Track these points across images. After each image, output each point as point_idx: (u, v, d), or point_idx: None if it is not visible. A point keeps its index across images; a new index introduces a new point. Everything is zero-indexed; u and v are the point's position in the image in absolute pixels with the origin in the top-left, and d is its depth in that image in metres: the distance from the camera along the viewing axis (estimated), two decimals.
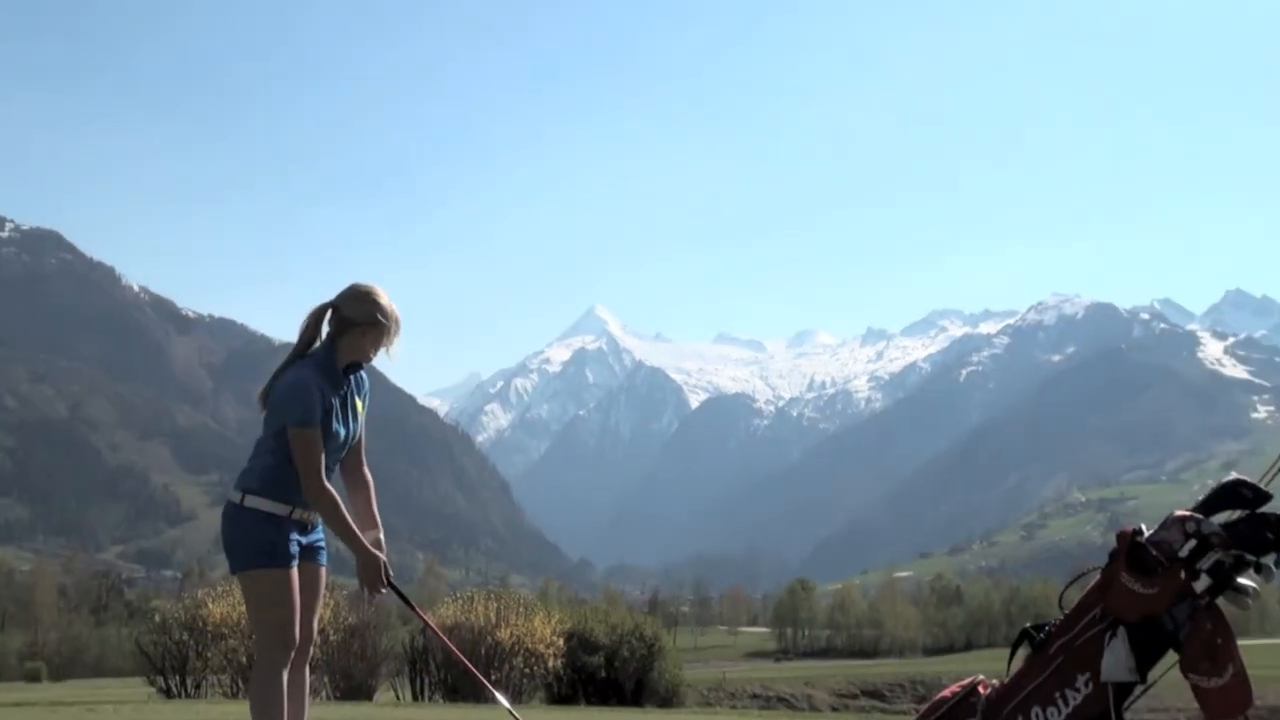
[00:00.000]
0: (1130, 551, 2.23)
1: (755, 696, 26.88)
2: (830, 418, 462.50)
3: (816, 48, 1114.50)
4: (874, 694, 28.65)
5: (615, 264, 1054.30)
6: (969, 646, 61.60)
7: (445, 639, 3.52)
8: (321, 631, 2.97)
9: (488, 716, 5.79)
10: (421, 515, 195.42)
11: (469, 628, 10.54)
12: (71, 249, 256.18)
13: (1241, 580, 2.21)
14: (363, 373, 2.88)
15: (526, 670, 10.90)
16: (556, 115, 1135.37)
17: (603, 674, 12.46)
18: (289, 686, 2.74)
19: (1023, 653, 2.38)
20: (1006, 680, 2.37)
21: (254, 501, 2.70)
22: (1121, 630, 2.21)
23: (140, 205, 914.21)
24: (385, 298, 2.82)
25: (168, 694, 10.65)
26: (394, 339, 2.83)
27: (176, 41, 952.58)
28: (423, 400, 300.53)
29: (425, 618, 3.42)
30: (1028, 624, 2.43)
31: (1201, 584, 2.21)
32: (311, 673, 3.00)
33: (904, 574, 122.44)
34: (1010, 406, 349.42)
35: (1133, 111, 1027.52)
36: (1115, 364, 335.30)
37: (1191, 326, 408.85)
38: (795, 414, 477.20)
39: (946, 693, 2.44)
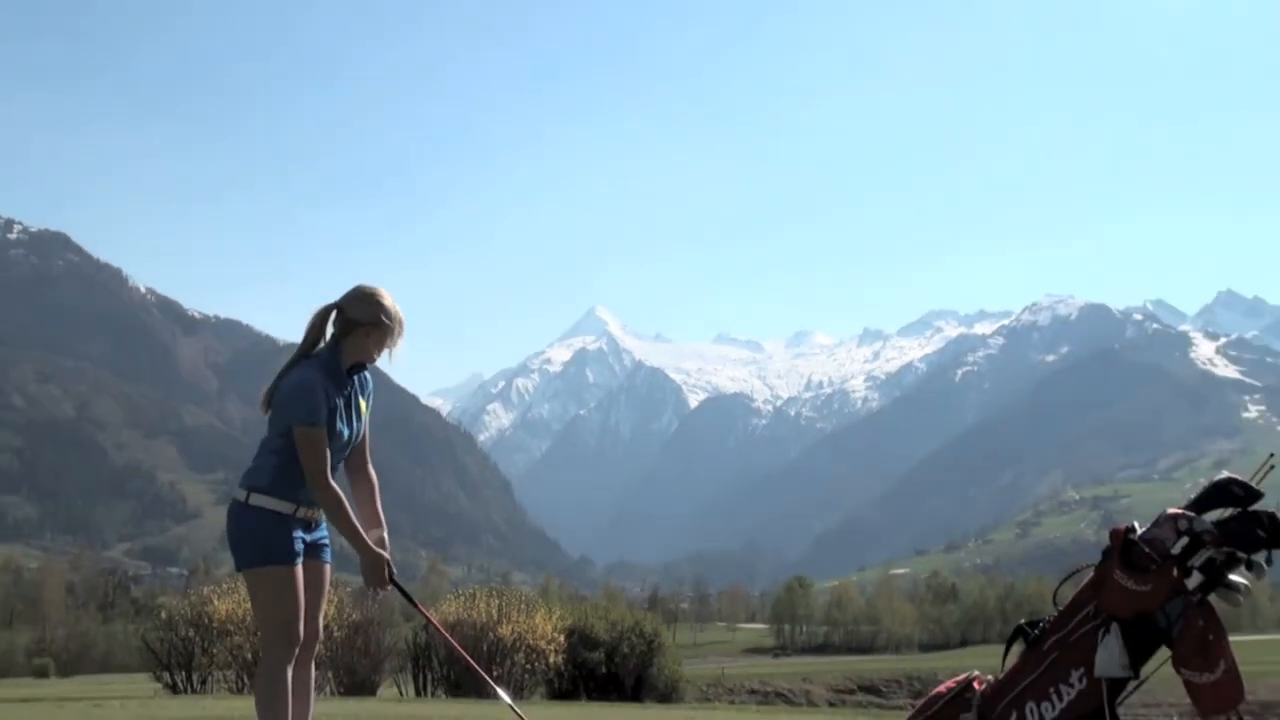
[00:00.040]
0: (1123, 549, 2.25)
1: (753, 692, 26.97)
2: (828, 417, 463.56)
3: (816, 48, 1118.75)
4: (871, 689, 28.73)
5: (615, 264, 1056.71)
6: (964, 642, 61.69)
7: (448, 635, 3.55)
8: (326, 628, 3.00)
9: (490, 712, 5.83)
10: (424, 513, 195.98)
11: (471, 624, 10.59)
12: (79, 250, 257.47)
13: (1233, 577, 2.23)
14: (366, 373, 2.90)
15: (528, 666, 10.93)
16: (556, 115, 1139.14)
17: (603, 670, 12.50)
18: (295, 683, 2.76)
19: (1018, 649, 2.41)
20: (1001, 676, 2.40)
21: (259, 500, 2.72)
22: (1115, 626, 2.23)
23: (142, 206, 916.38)
24: (389, 299, 2.84)
25: (174, 689, 10.70)
26: (397, 340, 2.85)
27: (177, 41, 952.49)
28: (426, 400, 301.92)
29: (428, 615, 3.45)
30: (1022, 620, 2.46)
31: (1194, 581, 2.23)
32: (316, 669, 3.03)
33: (900, 571, 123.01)
34: (1005, 406, 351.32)
35: (1125, 115, 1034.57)
36: (1108, 364, 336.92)
37: (1184, 327, 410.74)
38: (793, 413, 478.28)
39: (942, 688, 2.47)
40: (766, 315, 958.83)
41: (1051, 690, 2.27)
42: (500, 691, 3.26)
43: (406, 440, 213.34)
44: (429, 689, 11.05)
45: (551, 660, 11.14)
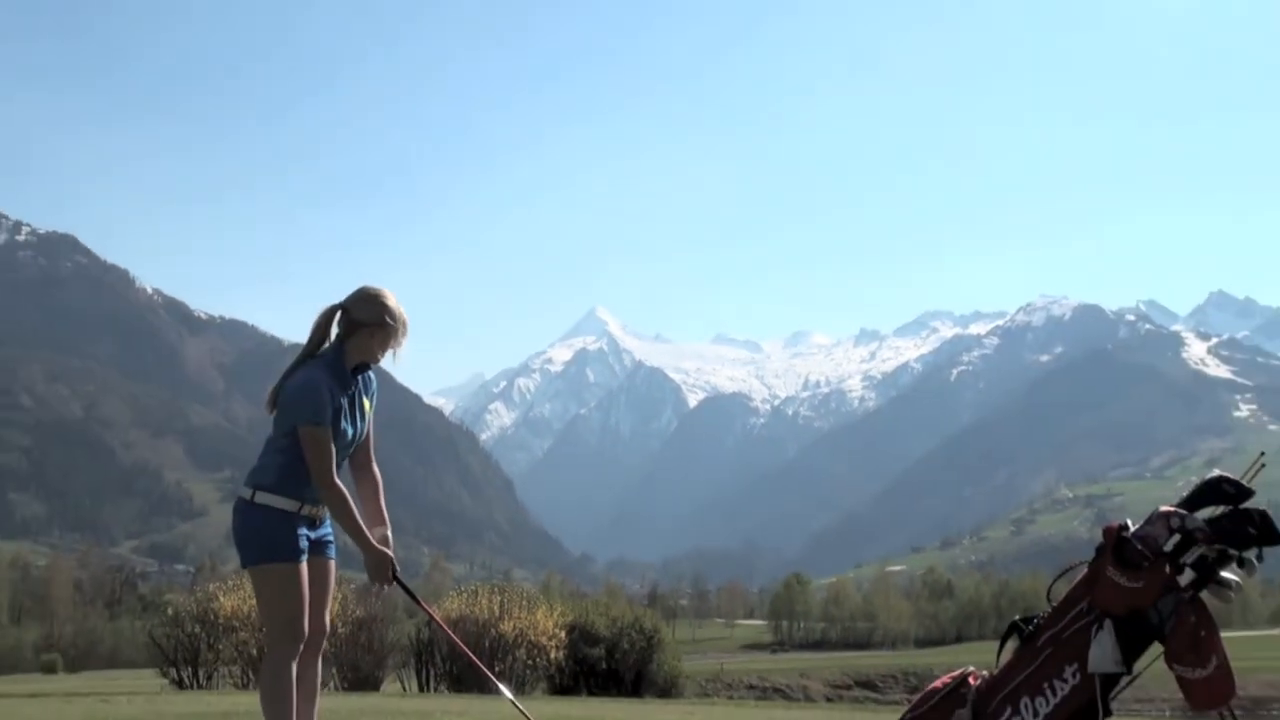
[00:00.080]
0: (1116, 546, 2.27)
1: (752, 687, 27.09)
2: (825, 416, 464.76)
3: (816, 48, 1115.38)
4: (867, 685, 28.87)
5: (615, 264, 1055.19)
6: (959, 638, 62.16)
7: (450, 632, 3.59)
8: (330, 624, 3.04)
9: (491, 707, 5.88)
10: (427, 511, 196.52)
11: (473, 620, 10.65)
12: (87, 252, 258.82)
13: (1224, 574, 2.25)
14: (370, 373, 2.93)
15: (529, 662, 11.00)
16: (556, 115, 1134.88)
17: (603, 665, 12.55)
18: (302, 678, 2.80)
19: (1012, 644, 2.43)
20: (996, 671, 2.42)
21: (264, 498, 2.75)
22: (1108, 623, 2.25)
23: (143, 206, 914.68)
24: (393, 300, 2.87)
25: (180, 685, 10.77)
26: (401, 340, 2.87)
27: (177, 41, 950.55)
28: (428, 399, 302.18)
29: (430, 612, 3.49)
30: (1017, 617, 2.48)
31: (1186, 578, 2.25)
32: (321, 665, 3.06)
33: (896, 568, 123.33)
34: (999, 405, 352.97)
35: (1118, 117, 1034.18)
36: (1102, 364, 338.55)
37: (1176, 327, 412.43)
38: (791, 413, 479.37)
39: (938, 683, 2.49)
40: (764, 315, 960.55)
41: (1045, 685, 2.29)
42: (502, 687, 3.28)
43: (410, 439, 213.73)
44: (432, 684, 11.10)
45: (553, 656, 11.21)
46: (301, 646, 2.77)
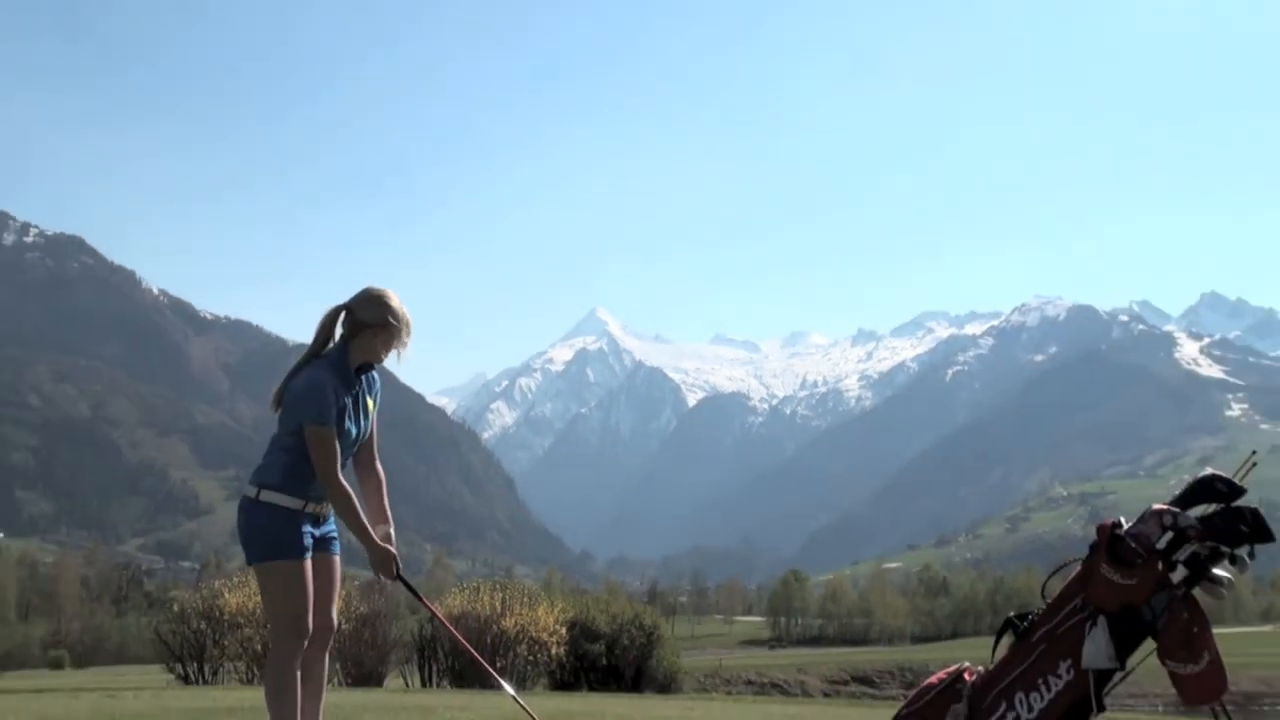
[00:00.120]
0: (1110, 544, 2.30)
1: (750, 683, 27.17)
2: (822, 415, 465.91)
3: (816, 48, 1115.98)
4: (864, 680, 28.94)
5: (615, 264, 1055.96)
6: (955, 635, 62.18)
7: (452, 629, 3.61)
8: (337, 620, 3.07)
9: (493, 702, 5.92)
10: (430, 509, 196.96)
11: (475, 617, 10.72)
12: (93, 254, 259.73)
13: (1217, 571, 2.27)
14: (374, 372, 2.96)
15: (530, 657, 11.07)
16: (556, 115, 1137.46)
17: (604, 661, 12.62)
18: (308, 674, 2.83)
19: (1007, 641, 2.46)
20: (991, 667, 2.45)
21: (269, 496, 2.78)
22: (1102, 619, 2.27)
23: (144, 206, 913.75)
24: (396, 301, 2.89)
25: (186, 681, 10.83)
26: (405, 341, 2.90)
27: (177, 41, 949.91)
28: (431, 398, 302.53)
29: (433, 609, 3.51)
30: (1011, 613, 2.51)
31: (1178, 575, 2.27)
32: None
33: (893, 565, 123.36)
34: (995, 405, 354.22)
35: (1113, 119, 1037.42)
36: (1095, 364, 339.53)
37: (1168, 328, 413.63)
38: (789, 412, 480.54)
39: (934, 679, 2.51)
40: (763, 316, 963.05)
41: (1040, 681, 2.32)
42: (503, 682, 3.30)
43: (412, 438, 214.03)
44: (434, 680, 11.16)
45: (553, 652, 11.29)
46: (306, 643, 2.80)
